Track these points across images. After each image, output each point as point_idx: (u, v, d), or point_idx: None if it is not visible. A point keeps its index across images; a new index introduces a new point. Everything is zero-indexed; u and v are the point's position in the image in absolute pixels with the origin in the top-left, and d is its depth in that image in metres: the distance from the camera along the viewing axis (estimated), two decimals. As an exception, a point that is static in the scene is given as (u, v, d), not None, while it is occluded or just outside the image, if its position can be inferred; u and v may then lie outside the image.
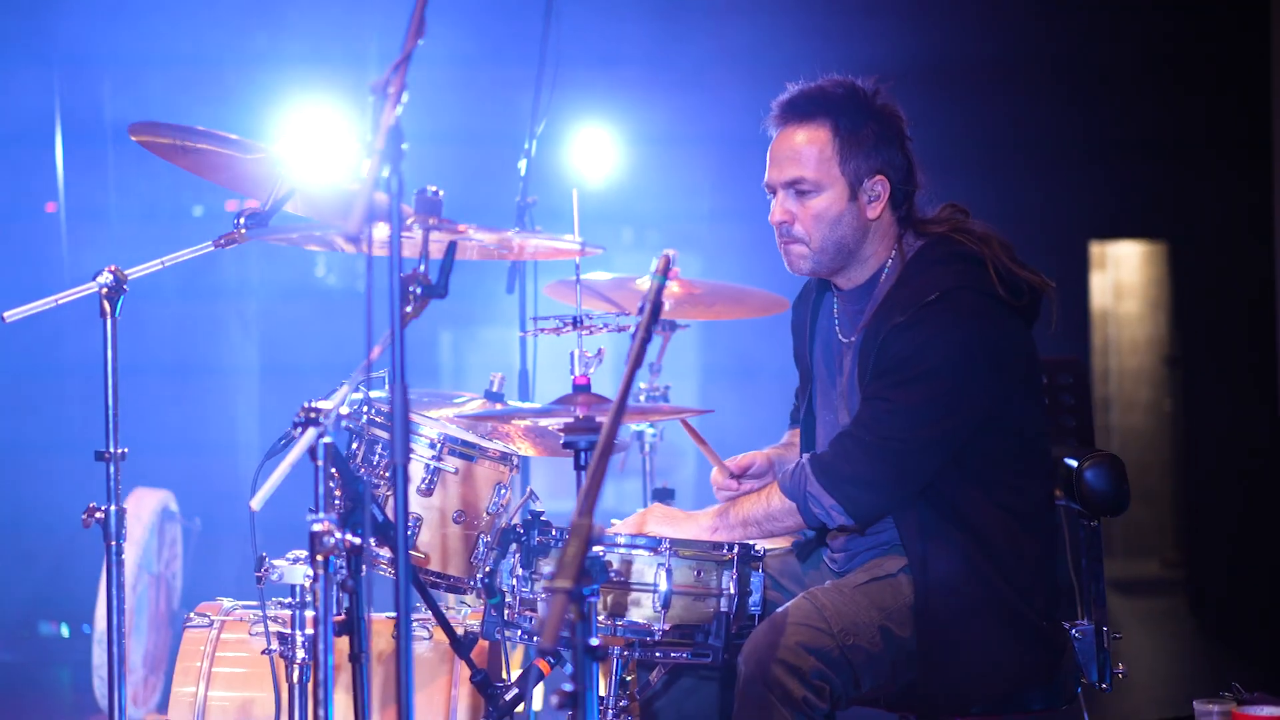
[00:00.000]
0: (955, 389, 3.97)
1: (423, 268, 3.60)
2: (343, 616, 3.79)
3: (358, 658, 3.75)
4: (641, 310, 3.34)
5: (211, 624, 4.36)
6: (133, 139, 3.94)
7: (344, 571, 3.82)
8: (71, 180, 8.83)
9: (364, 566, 3.40)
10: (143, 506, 7.12)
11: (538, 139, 6.17)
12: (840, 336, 4.25)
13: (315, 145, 8.85)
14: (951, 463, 4.00)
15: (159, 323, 8.65)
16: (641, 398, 5.69)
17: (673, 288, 5.38)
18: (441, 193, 3.59)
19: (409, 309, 3.58)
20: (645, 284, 5.39)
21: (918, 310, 3.98)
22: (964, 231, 4.15)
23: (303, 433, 3.39)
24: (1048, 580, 4.09)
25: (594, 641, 2.92)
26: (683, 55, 9.78)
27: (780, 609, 3.99)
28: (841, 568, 4.23)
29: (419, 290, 3.57)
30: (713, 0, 9.83)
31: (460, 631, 4.19)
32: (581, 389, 3.83)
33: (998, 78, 9.95)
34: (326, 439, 3.39)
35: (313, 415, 3.39)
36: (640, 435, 5.81)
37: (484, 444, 4.22)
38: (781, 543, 4.49)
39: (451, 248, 3.58)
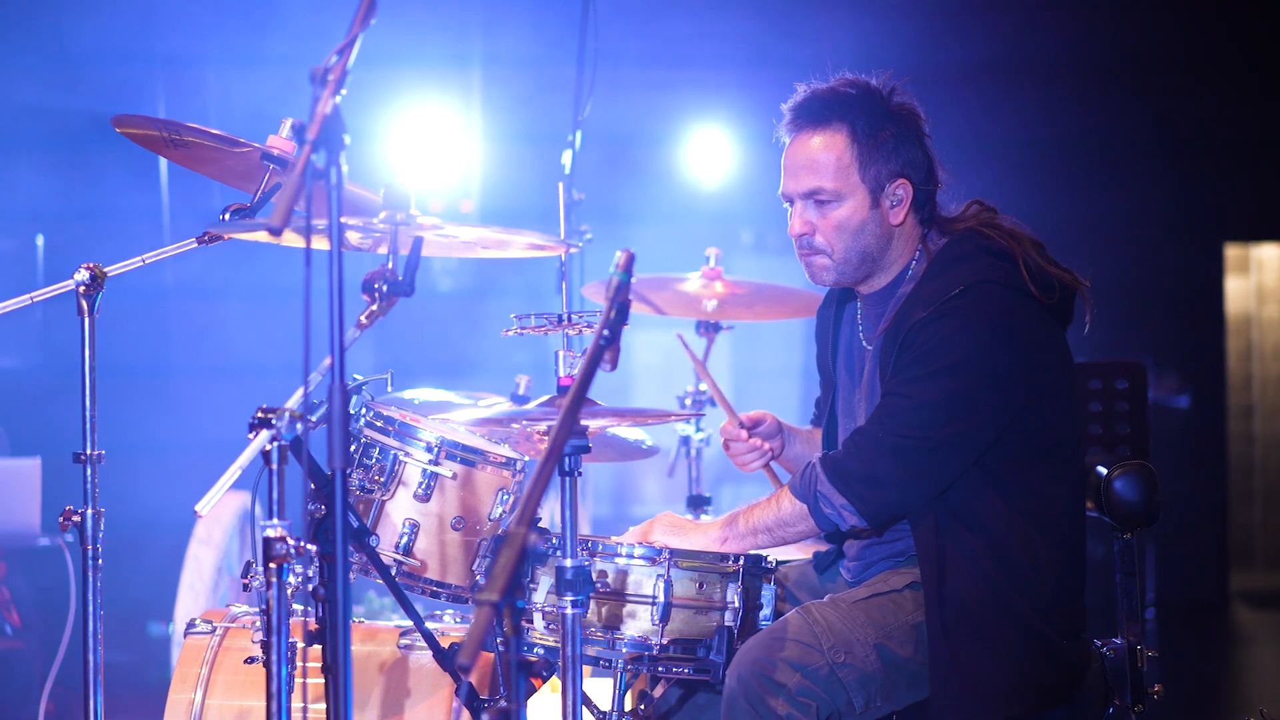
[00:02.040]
0: (979, 386, 3.75)
1: (390, 264, 3.48)
2: (316, 625, 3.69)
3: (331, 669, 3.63)
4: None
5: (214, 631, 4.26)
6: (118, 131, 3.85)
7: (316, 579, 3.73)
8: (175, 181, 8.87)
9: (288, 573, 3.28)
10: (224, 509, 7.07)
11: (582, 128, 6.00)
12: (863, 342, 4.06)
13: (421, 145, 8.84)
14: (973, 466, 3.78)
15: (242, 323, 8.67)
16: (688, 401, 5.51)
17: (716, 287, 5.22)
18: (410, 186, 3.45)
19: (375, 307, 3.47)
20: (692, 286, 5.25)
21: (942, 304, 3.77)
22: (992, 227, 3.94)
23: (256, 435, 3.28)
24: (1070, 596, 3.85)
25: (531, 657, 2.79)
26: (797, 54, 9.62)
27: (772, 623, 3.80)
28: (856, 577, 4.03)
29: (385, 288, 3.46)
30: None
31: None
32: (566, 390, 3.67)
33: (1132, 77, 9.70)
34: (281, 442, 3.29)
35: (266, 418, 3.27)
36: (687, 440, 5.63)
37: (486, 448, 4.08)
38: (800, 554, 4.30)
39: (417, 244, 3.45)
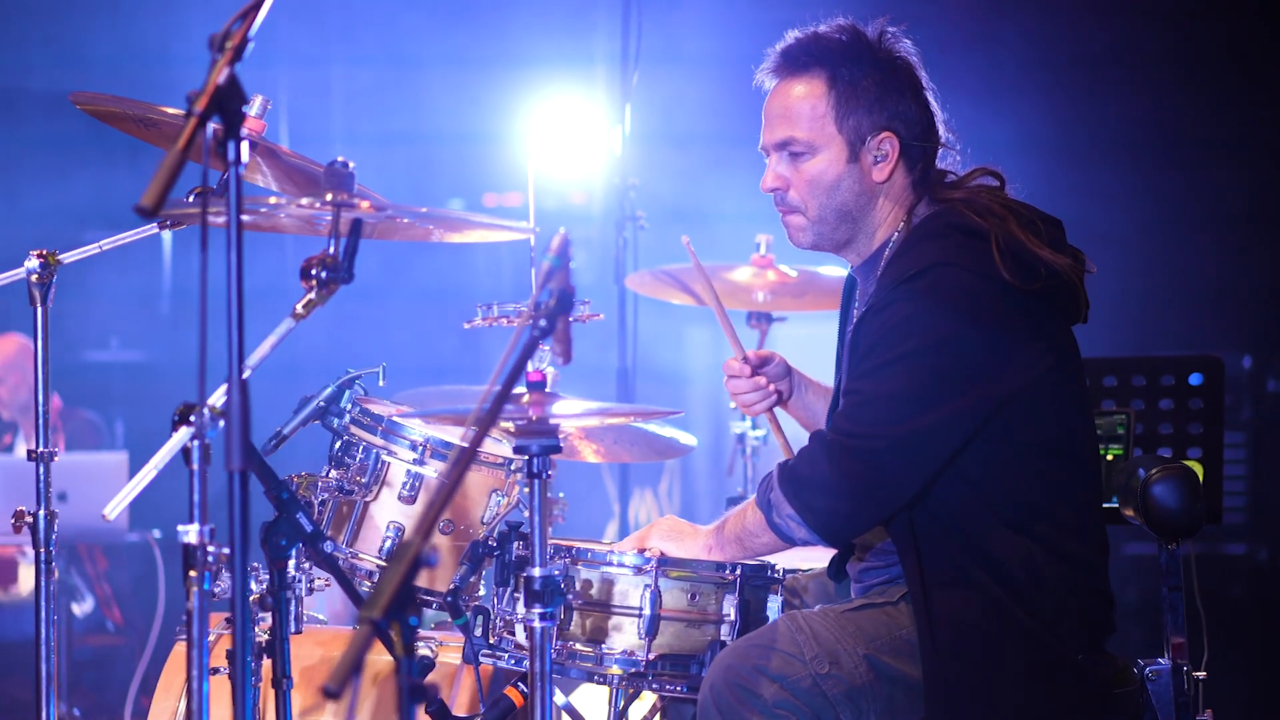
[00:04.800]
0: (939, 377, 3.37)
1: (331, 249, 3.25)
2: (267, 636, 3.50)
3: (280, 682, 3.43)
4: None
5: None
6: (77, 107, 3.69)
7: (264, 586, 3.54)
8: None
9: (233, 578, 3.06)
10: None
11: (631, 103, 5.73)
12: (854, 321, 3.71)
13: (552, 140, 8.75)
14: (955, 476, 3.41)
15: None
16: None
17: (768, 276, 4.91)
18: (352, 164, 3.21)
19: (313, 295, 3.24)
20: (742, 276, 4.96)
21: (893, 289, 3.41)
22: (969, 203, 3.54)
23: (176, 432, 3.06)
24: (1082, 609, 3.47)
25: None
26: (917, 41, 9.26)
27: (756, 630, 3.49)
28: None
29: (323, 274, 3.23)
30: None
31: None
32: (535, 386, 3.39)
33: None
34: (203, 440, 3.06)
35: (186, 414, 3.05)
36: (742, 438, 5.30)
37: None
38: (820, 561, 3.98)
39: (356, 227, 3.20)
